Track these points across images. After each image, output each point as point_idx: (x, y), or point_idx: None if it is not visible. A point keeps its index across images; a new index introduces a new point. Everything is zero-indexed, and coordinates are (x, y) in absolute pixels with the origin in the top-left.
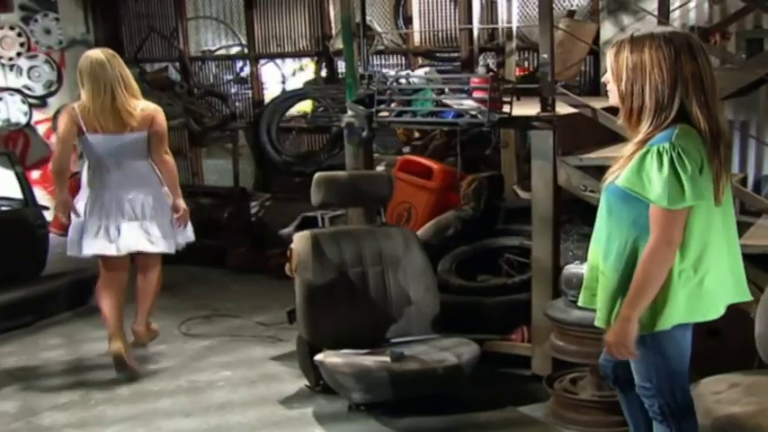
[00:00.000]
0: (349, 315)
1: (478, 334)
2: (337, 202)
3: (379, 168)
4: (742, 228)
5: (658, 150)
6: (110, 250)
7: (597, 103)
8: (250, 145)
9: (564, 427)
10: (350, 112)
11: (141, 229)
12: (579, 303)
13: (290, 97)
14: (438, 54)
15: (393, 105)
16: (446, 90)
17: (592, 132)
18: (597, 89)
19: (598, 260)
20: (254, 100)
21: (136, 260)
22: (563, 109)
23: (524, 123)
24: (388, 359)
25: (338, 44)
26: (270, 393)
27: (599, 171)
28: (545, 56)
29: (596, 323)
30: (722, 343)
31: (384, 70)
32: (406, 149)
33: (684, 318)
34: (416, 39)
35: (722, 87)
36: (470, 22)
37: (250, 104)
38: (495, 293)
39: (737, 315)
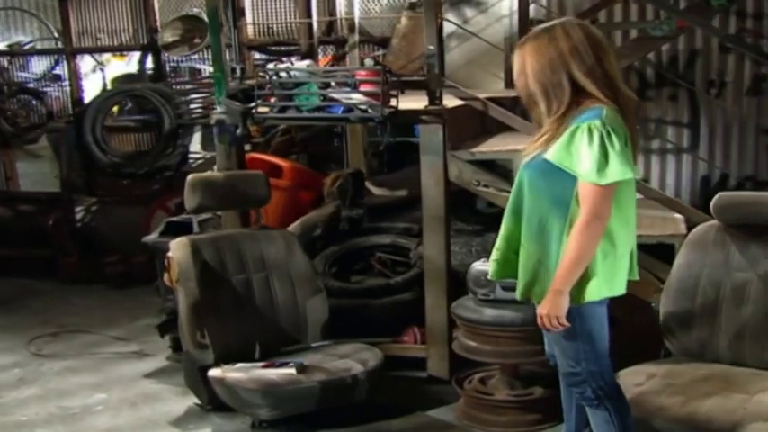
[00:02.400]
0: (237, 326)
1: (365, 337)
2: (214, 206)
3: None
4: None
5: (589, 127)
6: None
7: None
8: (70, 145)
9: (481, 430)
10: (220, 108)
11: None
12: (490, 277)
13: (115, 94)
14: (274, 48)
15: (273, 100)
16: (332, 84)
17: (469, 125)
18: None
19: (516, 233)
20: (73, 98)
21: None
22: (449, 102)
23: (413, 117)
24: (293, 371)
25: (167, 37)
26: (157, 415)
27: (489, 166)
28: (431, 47)
29: (517, 296)
30: (621, 333)
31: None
32: (247, 147)
33: (608, 291)
34: (250, 31)
35: None
36: (309, 14)
37: (68, 103)
38: (378, 294)
39: (637, 303)
